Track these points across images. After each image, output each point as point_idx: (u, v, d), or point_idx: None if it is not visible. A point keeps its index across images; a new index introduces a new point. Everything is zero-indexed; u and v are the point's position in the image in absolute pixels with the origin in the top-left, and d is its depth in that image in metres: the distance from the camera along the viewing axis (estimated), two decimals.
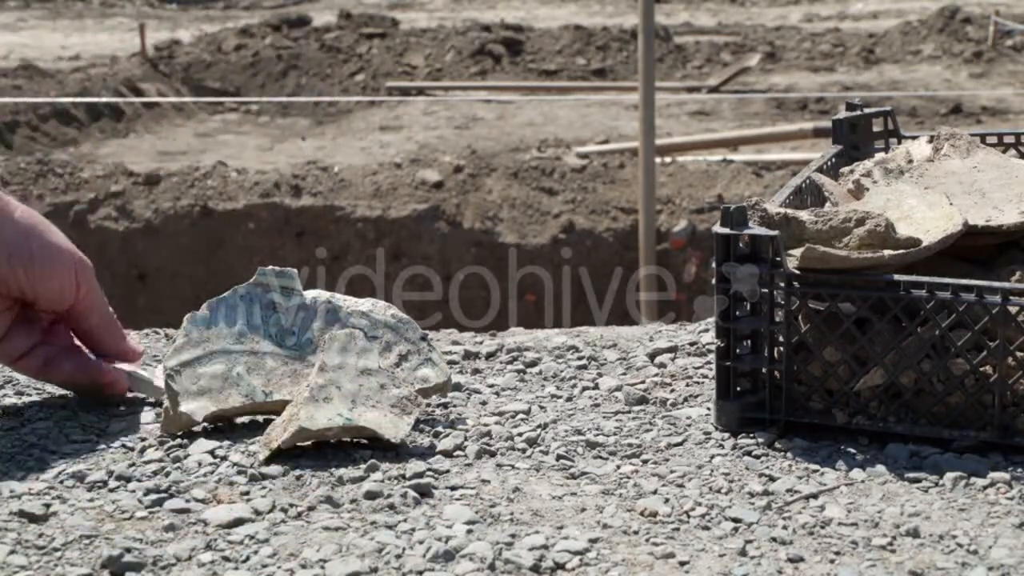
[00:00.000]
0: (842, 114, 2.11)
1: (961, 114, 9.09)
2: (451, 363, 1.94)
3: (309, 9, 15.57)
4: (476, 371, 1.93)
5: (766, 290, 1.61)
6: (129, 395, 1.79)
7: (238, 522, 1.42)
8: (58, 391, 1.85)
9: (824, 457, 1.59)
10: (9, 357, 1.73)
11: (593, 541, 1.38)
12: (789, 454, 1.60)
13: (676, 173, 7.37)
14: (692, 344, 2.00)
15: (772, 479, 1.53)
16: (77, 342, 1.78)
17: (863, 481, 1.53)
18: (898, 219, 1.69)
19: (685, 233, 6.90)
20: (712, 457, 1.60)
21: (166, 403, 1.66)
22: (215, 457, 1.60)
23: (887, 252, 1.60)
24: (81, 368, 1.75)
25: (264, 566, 1.34)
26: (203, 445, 1.62)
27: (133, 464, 1.58)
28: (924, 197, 1.75)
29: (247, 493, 1.50)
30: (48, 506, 1.46)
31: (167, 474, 1.55)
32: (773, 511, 1.46)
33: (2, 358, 1.74)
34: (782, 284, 1.60)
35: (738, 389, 1.66)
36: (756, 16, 15.01)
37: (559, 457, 1.60)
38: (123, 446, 1.65)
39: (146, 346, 2.07)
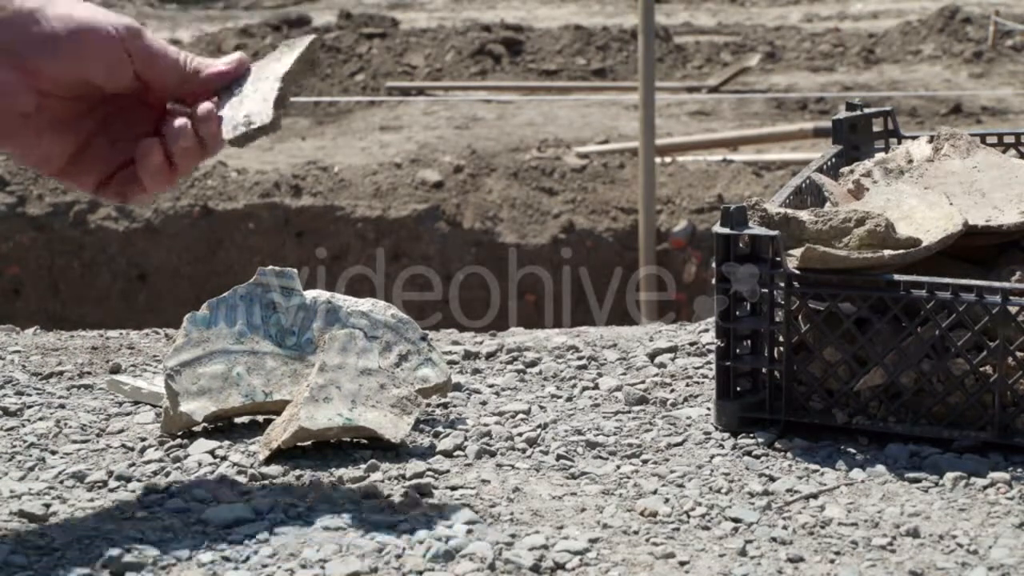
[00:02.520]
0: (842, 114, 2.11)
1: (961, 114, 9.09)
2: (451, 363, 1.94)
3: (309, 9, 15.57)
4: (476, 371, 1.93)
5: (766, 290, 1.61)
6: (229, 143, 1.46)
7: (238, 522, 1.42)
8: (58, 391, 1.85)
9: (824, 457, 1.59)
10: (86, 181, 1.48)
11: (593, 541, 1.38)
12: (789, 454, 1.60)
13: (676, 173, 7.37)
14: (692, 344, 2.00)
15: (772, 479, 1.53)
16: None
17: (863, 481, 1.53)
18: (898, 219, 1.69)
19: (685, 233, 6.90)
20: (712, 457, 1.60)
21: (166, 403, 1.66)
22: (215, 457, 1.60)
23: (887, 252, 1.60)
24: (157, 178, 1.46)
25: (264, 566, 1.34)
26: (203, 445, 1.62)
27: (133, 464, 1.58)
28: (924, 197, 1.75)
29: (247, 493, 1.50)
30: (48, 506, 1.46)
31: (167, 474, 1.55)
32: (773, 511, 1.46)
33: (81, 180, 1.49)
34: (782, 284, 1.60)
35: (738, 389, 1.66)
36: (756, 16, 15.00)
37: (559, 457, 1.60)
38: (123, 446, 1.65)
39: (146, 346, 2.07)
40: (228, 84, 1.48)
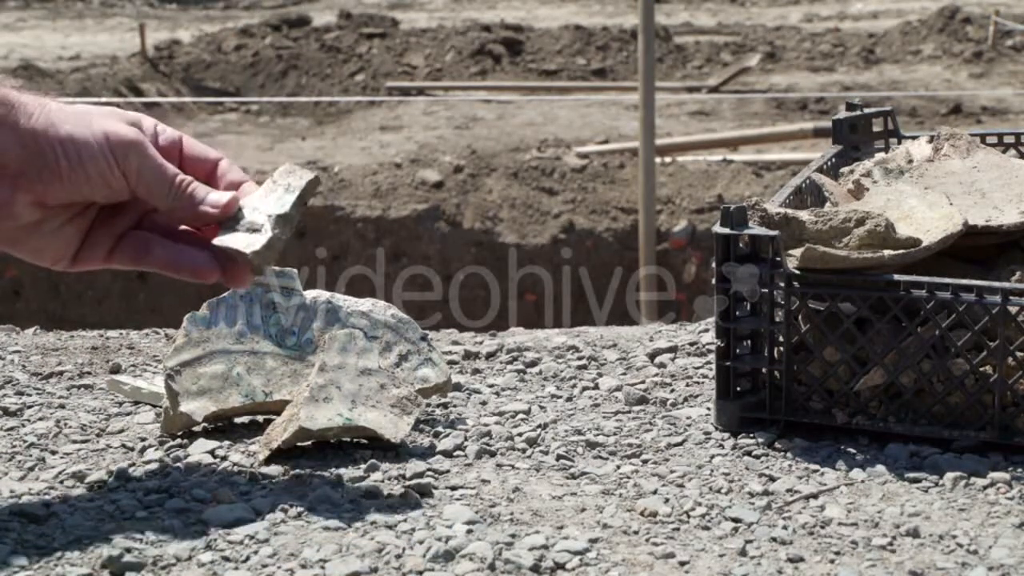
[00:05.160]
0: (842, 114, 2.11)
1: (961, 114, 9.09)
2: (451, 363, 1.94)
3: (309, 9, 15.57)
4: (476, 371, 1.93)
5: (766, 290, 1.61)
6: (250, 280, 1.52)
7: (238, 522, 1.42)
8: (58, 391, 1.85)
9: (824, 457, 1.59)
10: (96, 260, 1.52)
11: (593, 541, 1.38)
12: (789, 454, 1.60)
13: (676, 173, 7.37)
14: (692, 344, 2.00)
15: (772, 479, 1.53)
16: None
17: (863, 481, 1.53)
18: (898, 219, 1.69)
19: (685, 233, 6.90)
20: (712, 457, 1.60)
21: (166, 403, 1.66)
22: (215, 457, 1.60)
23: (887, 252, 1.60)
24: (172, 256, 1.51)
25: (264, 566, 1.34)
26: (203, 445, 1.62)
27: (133, 464, 1.58)
28: (924, 197, 1.75)
29: (247, 493, 1.50)
30: (48, 506, 1.46)
31: (167, 474, 1.55)
32: (773, 511, 1.46)
33: (92, 263, 1.53)
34: (782, 284, 1.60)
35: (738, 389, 1.66)
36: (756, 16, 15.00)
37: (559, 457, 1.60)
38: (123, 446, 1.65)
39: (146, 346, 2.07)
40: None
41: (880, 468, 1.55)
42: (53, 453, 1.63)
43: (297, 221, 1.49)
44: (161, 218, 1.52)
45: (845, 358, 1.60)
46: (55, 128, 1.43)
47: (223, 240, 1.47)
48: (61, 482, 1.54)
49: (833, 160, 2.02)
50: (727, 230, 1.61)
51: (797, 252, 1.60)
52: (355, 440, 1.63)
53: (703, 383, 1.84)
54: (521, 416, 1.73)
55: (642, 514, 1.45)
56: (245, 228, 1.47)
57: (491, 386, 1.86)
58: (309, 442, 1.60)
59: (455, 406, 1.78)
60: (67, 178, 1.43)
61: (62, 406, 1.78)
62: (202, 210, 1.49)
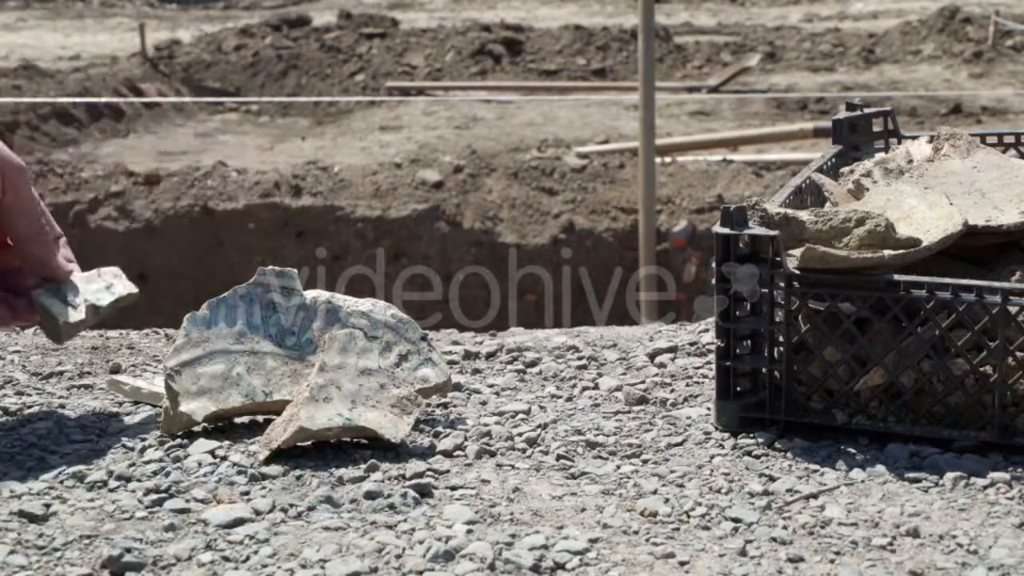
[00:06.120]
0: (842, 114, 2.11)
1: (961, 114, 9.09)
2: (451, 363, 1.94)
3: (309, 9, 15.57)
4: (476, 371, 1.93)
5: (766, 290, 1.61)
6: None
7: (238, 522, 1.42)
8: (58, 391, 1.85)
9: (824, 457, 1.59)
10: None
11: (593, 541, 1.38)
12: (789, 454, 1.60)
13: (676, 173, 7.37)
14: (692, 344, 2.00)
15: (772, 479, 1.53)
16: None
17: (863, 481, 1.53)
18: (898, 219, 1.69)
19: (685, 233, 6.90)
20: (712, 457, 1.60)
21: (166, 403, 1.66)
22: (215, 457, 1.60)
23: (887, 252, 1.60)
24: None
25: (264, 566, 1.34)
26: (203, 445, 1.62)
27: (133, 464, 1.58)
28: (924, 197, 1.75)
29: (247, 493, 1.50)
30: (48, 506, 1.46)
31: (167, 474, 1.55)
32: (773, 511, 1.46)
33: None
34: (782, 284, 1.60)
35: (738, 389, 1.66)
36: (756, 16, 15.00)
37: (559, 457, 1.60)
38: (123, 446, 1.65)
39: (146, 346, 2.07)
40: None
41: (880, 468, 1.55)
42: (53, 453, 1.63)
43: (104, 319, 1.67)
44: None
45: (845, 358, 1.60)
46: None
47: (41, 298, 1.66)
48: (61, 482, 1.54)
49: (833, 160, 2.02)
50: (727, 230, 1.61)
51: (797, 252, 1.60)
52: (355, 440, 1.63)
53: (703, 383, 1.84)
54: (521, 416, 1.73)
55: (642, 514, 1.45)
56: (62, 298, 1.66)
57: (491, 386, 1.86)
58: (309, 442, 1.60)
59: (455, 406, 1.78)
60: None
61: (62, 406, 1.78)
62: (55, 260, 1.66)
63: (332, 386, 1.60)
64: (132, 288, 1.71)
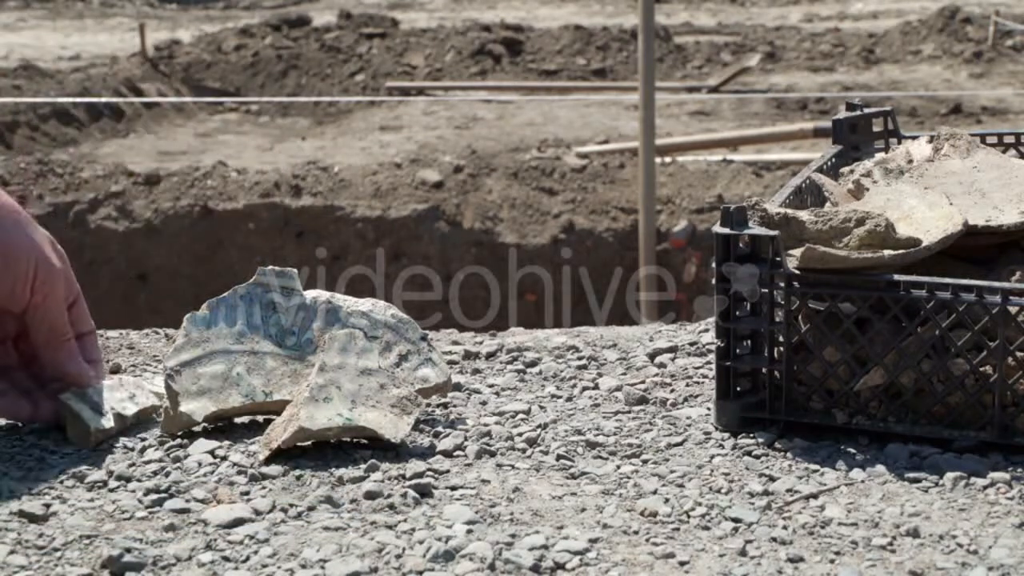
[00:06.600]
0: (842, 114, 2.11)
1: (961, 114, 9.09)
2: (451, 363, 1.94)
3: (309, 9, 15.57)
4: (476, 371, 1.93)
5: (766, 290, 1.61)
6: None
7: (238, 522, 1.42)
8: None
9: (824, 457, 1.59)
10: None
11: (593, 541, 1.38)
12: (789, 454, 1.60)
13: (676, 173, 7.37)
14: (692, 344, 2.00)
15: (772, 479, 1.53)
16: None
17: (863, 481, 1.53)
18: (898, 219, 1.69)
19: (685, 233, 6.90)
20: (712, 457, 1.60)
21: (166, 403, 1.66)
22: (215, 457, 1.60)
23: (887, 252, 1.60)
24: (6, 405, 1.67)
25: (264, 566, 1.34)
26: (203, 445, 1.62)
27: (133, 464, 1.58)
28: (924, 197, 1.75)
29: (247, 493, 1.50)
30: (48, 506, 1.46)
31: (167, 474, 1.55)
32: (773, 511, 1.46)
33: None
34: (782, 284, 1.60)
35: (738, 389, 1.66)
36: (756, 16, 15.00)
37: (559, 457, 1.60)
38: (123, 446, 1.65)
39: (146, 346, 2.07)
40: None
41: (880, 468, 1.55)
42: (53, 453, 1.63)
43: (126, 427, 1.68)
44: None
45: (845, 358, 1.60)
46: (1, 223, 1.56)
47: (70, 402, 1.65)
48: (61, 482, 1.54)
49: (833, 160, 2.02)
50: (727, 230, 1.61)
51: (797, 252, 1.60)
52: (355, 440, 1.63)
53: (703, 383, 1.84)
54: (521, 416, 1.73)
55: (642, 514, 1.45)
56: (90, 403, 1.66)
57: (491, 386, 1.86)
58: (309, 442, 1.60)
59: (455, 406, 1.78)
60: None
61: None
62: (72, 368, 1.65)
63: (332, 386, 1.60)
64: (154, 400, 1.71)
